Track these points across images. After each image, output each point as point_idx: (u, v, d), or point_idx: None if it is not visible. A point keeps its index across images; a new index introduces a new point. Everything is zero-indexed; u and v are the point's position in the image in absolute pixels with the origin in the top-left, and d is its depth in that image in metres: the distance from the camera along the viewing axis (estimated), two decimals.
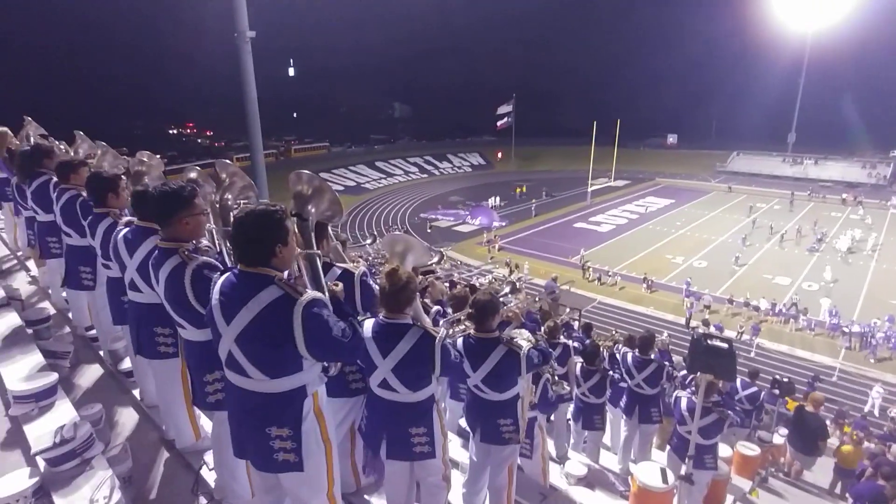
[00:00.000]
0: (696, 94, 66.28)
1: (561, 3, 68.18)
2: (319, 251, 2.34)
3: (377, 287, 2.75)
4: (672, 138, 64.61)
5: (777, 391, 9.99)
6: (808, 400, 8.40)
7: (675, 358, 9.16)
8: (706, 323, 19.29)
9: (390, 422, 2.78)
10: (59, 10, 46.48)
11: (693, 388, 5.08)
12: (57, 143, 5.82)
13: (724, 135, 60.78)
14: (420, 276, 5.15)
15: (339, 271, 2.78)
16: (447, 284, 8.41)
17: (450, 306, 4.52)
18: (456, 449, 4.14)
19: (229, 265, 2.65)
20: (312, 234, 2.31)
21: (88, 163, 4.16)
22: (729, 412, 4.54)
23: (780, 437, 8.20)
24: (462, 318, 3.36)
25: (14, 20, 44.66)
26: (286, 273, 2.14)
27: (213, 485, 2.85)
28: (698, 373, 4.20)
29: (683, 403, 4.86)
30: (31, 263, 5.79)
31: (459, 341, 3.24)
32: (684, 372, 8.05)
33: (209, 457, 2.98)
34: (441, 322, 3.56)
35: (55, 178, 4.01)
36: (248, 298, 1.94)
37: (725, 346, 3.85)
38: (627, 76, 68.29)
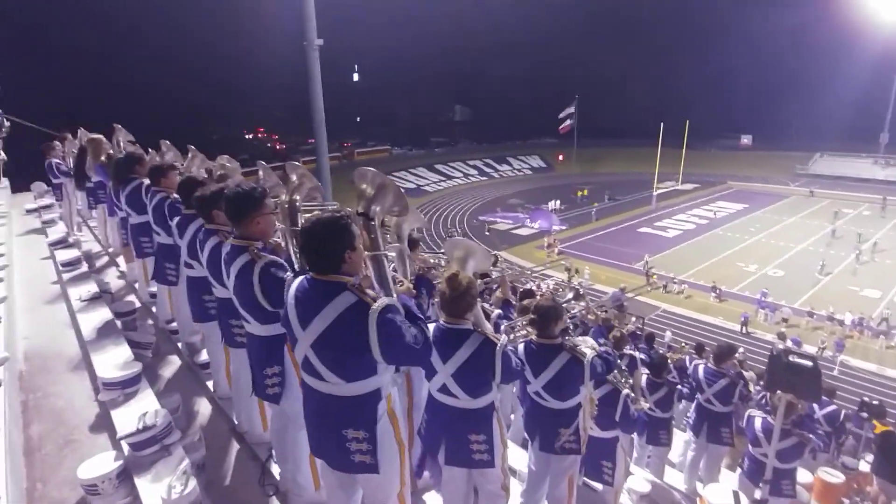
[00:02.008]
0: (773, 90, 61.96)
1: None
2: (386, 251, 2.34)
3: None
4: (746, 139, 60.90)
5: (865, 414, 9.16)
6: None
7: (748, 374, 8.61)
8: (782, 337, 18.05)
9: (450, 427, 2.77)
10: (147, 32, 50.45)
11: (768, 407, 4.75)
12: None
13: (804, 135, 56.44)
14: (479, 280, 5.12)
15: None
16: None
17: (516, 311, 4.46)
18: (516, 457, 4.08)
19: (296, 265, 2.76)
20: (379, 234, 2.32)
21: (178, 167, 4.45)
22: (811, 436, 4.21)
23: (866, 463, 7.51)
24: (524, 323, 3.31)
25: (106, 39, 48.78)
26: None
27: (278, 477, 2.96)
28: (777, 392, 3.92)
29: (758, 423, 4.54)
30: (120, 260, 6.27)
31: (520, 347, 3.19)
32: (757, 388, 7.57)
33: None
34: (502, 327, 3.52)
35: (146, 182, 4.32)
36: (322, 306, 1.98)
37: (809, 363, 3.56)
38: (697, 73, 64.57)
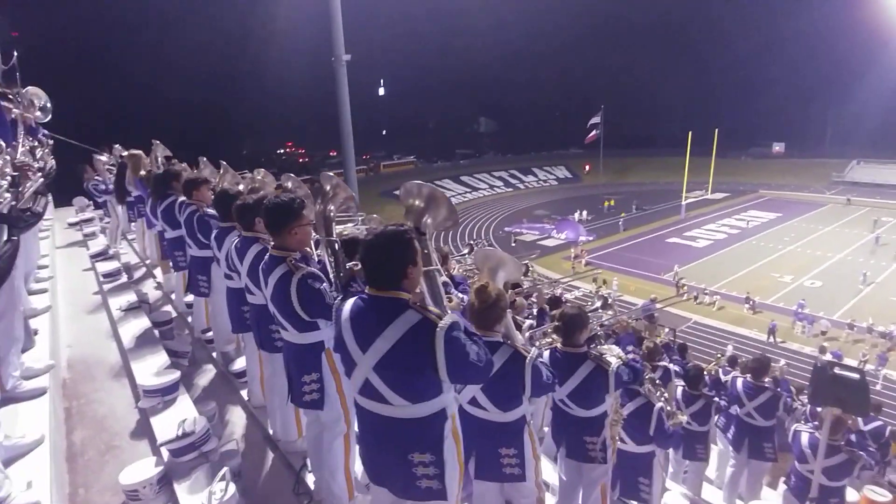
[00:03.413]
0: (806, 97, 60.00)
1: (652, 4, 65.28)
2: (440, 267, 2.28)
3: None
4: (779, 146, 59.25)
5: None
6: None
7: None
8: (823, 350, 17.38)
9: (480, 440, 2.72)
10: (179, 51, 52.37)
11: (816, 422, 4.56)
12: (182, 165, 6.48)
13: (839, 141, 54.67)
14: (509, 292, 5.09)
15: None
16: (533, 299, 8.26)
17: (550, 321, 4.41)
18: (550, 472, 4.00)
19: (331, 275, 2.77)
20: (432, 249, 2.25)
21: (210, 181, 4.58)
22: (861, 453, 4.02)
23: None
24: (549, 330, 3.28)
25: (140, 58, 50.77)
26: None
27: (312, 486, 2.97)
28: (823, 407, 3.76)
29: (804, 439, 4.36)
30: (157, 271, 6.45)
31: (546, 354, 3.16)
32: (803, 400, 7.29)
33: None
34: (527, 334, 3.48)
35: (182, 198, 4.45)
36: (386, 324, 1.90)
37: (857, 376, 3.40)
38: (727, 80, 63.32)
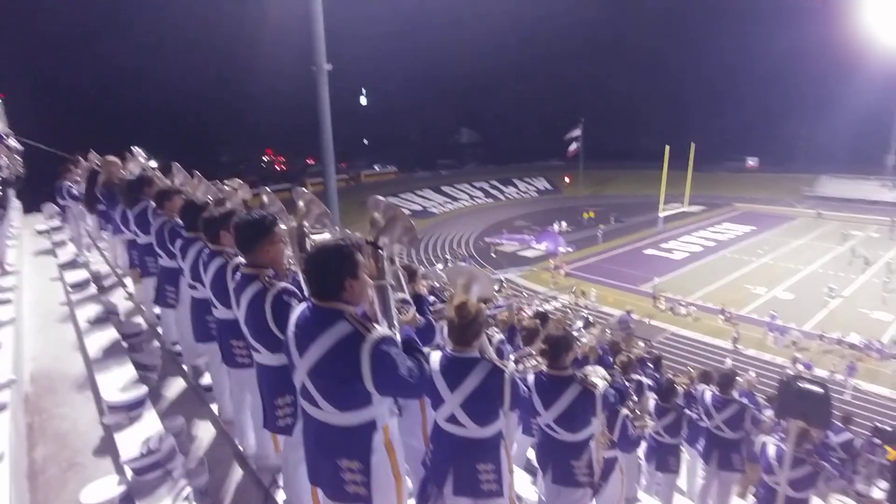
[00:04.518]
0: (779, 113, 61.83)
1: (629, 20, 66.92)
2: (392, 282, 2.32)
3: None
4: (752, 161, 60.84)
5: (878, 440, 8.98)
6: None
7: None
8: (794, 361, 17.81)
9: (457, 457, 2.73)
10: (158, 55, 51.76)
11: (782, 434, 4.66)
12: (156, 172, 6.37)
13: (810, 157, 56.37)
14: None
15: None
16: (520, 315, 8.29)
17: (521, 338, 4.43)
18: (522, 484, 4.01)
19: (307, 291, 2.76)
20: (387, 263, 2.31)
21: (183, 191, 4.51)
22: (825, 464, 4.12)
23: (880, 490, 7.33)
24: (533, 352, 3.28)
25: (117, 62, 49.91)
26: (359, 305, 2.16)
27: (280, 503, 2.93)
28: (788, 419, 3.85)
29: (771, 451, 4.46)
30: (127, 281, 6.31)
31: (531, 378, 3.16)
32: (770, 413, 7.44)
33: (280, 475, 3.06)
34: (507, 353, 3.50)
35: (154, 204, 4.39)
36: (320, 333, 1.98)
37: (820, 390, 3.51)
38: (703, 96, 64.96)
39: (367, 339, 1.94)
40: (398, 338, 2.09)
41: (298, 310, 2.13)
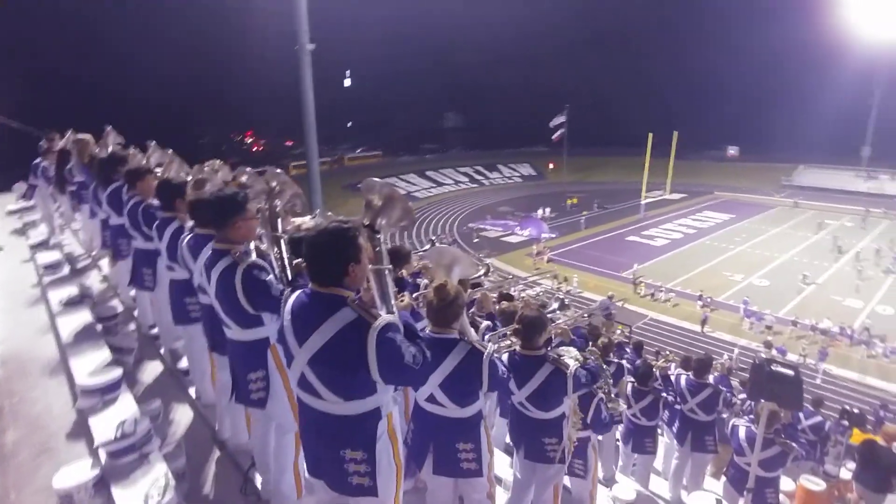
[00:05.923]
0: (759, 103, 62.76)
1: (615, 9, 66.82)
2: (390, 266, 2.23)
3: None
4: (733, 150, 61.75)
5: (846, 422, 9.28)
6: (881, 433, 7.75)
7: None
8: (768, 345, 18.24)
9: (437, 436, 2.76)
10: (136, 35, 50.26)
11: (752, 416, 4.78)
12: (133, 151, 6.19)
13: (789, 147, 57.36)
14: (469, 290, 5.11)
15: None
16: (494, 297, 8.32)
17: (500, 321, 4.44)
18: (501, 466, 4.06)
19: (277, 271, 2.72)
20: (384, 247, 2.22)
21: (154, 171, 4.41)
22: (794, 445, 4.24)
23: (847, 471, 7.59)
24: (509, 333, 3.30)
25: (95, 41, 48.35)
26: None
27: (260, 486, 2.92)
28: (760, 401, 3.95)
29: (742, 433, 4.58)
30: (103, 263, 6.17)
31: (505, 357, 3.18)
32: (743, 396, 7.62)
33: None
34: (487, 336, 3.52)
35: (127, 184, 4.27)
36: (321, 321, 1.92)
37: (791, 372, 3.59)
38: (685, 85, 65.52)
39: (372, 327, 1.88)
40: (400, 324, 2.03)
41: (293, 297, 2.05)
